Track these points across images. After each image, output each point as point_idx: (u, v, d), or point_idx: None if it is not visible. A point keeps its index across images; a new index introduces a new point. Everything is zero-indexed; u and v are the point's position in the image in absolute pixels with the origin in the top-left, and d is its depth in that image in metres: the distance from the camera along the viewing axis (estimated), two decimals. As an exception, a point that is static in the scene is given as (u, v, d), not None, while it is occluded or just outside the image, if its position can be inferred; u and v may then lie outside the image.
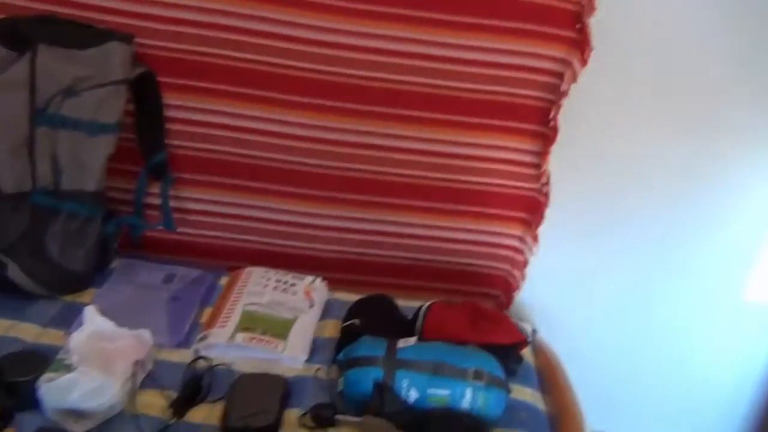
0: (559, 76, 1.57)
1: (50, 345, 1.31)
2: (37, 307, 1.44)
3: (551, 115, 1.59)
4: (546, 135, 1.64)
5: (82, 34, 1.52)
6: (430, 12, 1.52)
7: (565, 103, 1.57)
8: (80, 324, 1.29)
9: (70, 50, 1.49)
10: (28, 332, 1.36)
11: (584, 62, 1.53)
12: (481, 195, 1.74)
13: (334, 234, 1.79)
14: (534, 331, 1.61)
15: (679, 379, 1.97)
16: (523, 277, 1.83)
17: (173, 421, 1.18)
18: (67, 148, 1.49)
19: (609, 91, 1.63)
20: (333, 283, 1.66)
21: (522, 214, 1.76)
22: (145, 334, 1.27)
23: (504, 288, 1.85)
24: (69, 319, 1.41)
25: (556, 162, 1.66)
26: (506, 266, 1.83)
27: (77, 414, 1.12)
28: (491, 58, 1.55)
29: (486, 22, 1.52)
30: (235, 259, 1.75)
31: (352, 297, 1.60)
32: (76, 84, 1.49)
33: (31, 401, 1.14)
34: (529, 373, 1.45)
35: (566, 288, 1.89)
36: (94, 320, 1.23)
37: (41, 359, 1.20)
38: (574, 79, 1.55)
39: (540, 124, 1.63)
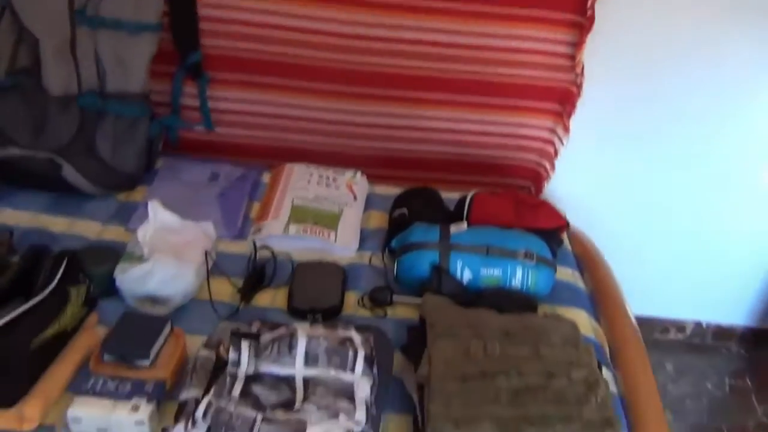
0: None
1: (113, 240, 1.37)
2: (93, 206, 1.49)
3: (589, 4, 1.59)
4: (582, 24, 1.64)
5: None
6: None
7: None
8: (140, 219, 1.34)
9: (104, -54, 1.47)
10: (89, 229, 1.42)
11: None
12: (513, 87, 1.75)
13: (366, 130, 1.81)
14: (567, 223, 1.68)
15: (703, 260, 2.06)
16: (552, 168, 1.87)
17: (242, 305, 1.25)
18: (109, 49, 1.49)
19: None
20: (369, 179, 1.71)
21: (554, 106, 1.79)
22: (209, 226, 1.33)
23: (534, 179, 1.90)
24: (126, 216, 1.46)
25: (589, 52, 1.66)
26: (536, 158, 1.87)
27: (154, 300, 1.19)
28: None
29: None
30: (271, 157, 1.78)
31: (391, 190, 1.65)
32: (112, -18, 1.48)
33: (108, 290, 1.21)
34: (567, 256, 1.52)
35: (594, 179, 1.95)
36: (158, 214, 1.28)
37: (112, 252, 1.26)
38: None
39: (576, 14, 1.63)
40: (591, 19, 1.62)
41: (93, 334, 1.11)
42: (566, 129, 1.80)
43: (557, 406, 0.94)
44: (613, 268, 1.53)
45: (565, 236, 1.56)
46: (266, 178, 1.68)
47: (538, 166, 1.89)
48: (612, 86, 1.78)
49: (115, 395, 0.98)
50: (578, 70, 1.70)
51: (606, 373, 1.18)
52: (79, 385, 1.00)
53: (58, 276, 1.04)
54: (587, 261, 1.52)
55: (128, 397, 0.98)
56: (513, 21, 1.63)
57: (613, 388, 1.18)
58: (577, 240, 1.61)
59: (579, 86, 1.73)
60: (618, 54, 1.73)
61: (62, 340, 1.05)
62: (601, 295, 1.41)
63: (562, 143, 1.82)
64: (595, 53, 1.68)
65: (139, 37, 1.50)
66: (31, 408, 0.97)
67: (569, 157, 1.85)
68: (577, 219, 1.70)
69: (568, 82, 1.74)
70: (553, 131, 1.83)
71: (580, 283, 1.45)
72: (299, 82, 1.73)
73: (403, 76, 1.71)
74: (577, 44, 1.67)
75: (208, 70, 1.70)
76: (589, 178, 1.94)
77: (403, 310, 1.29)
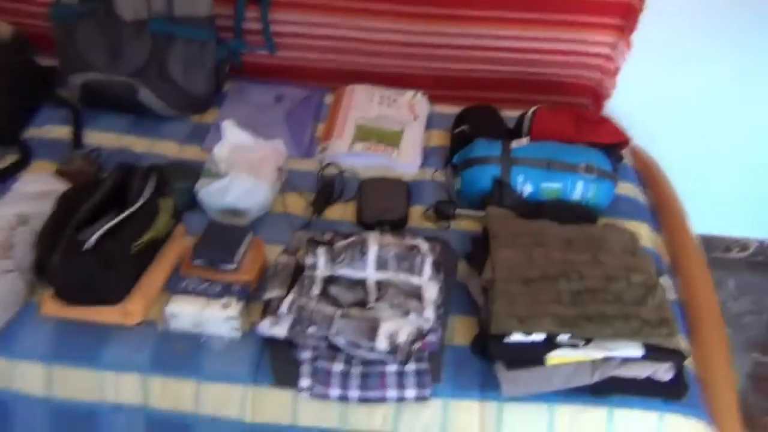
0: None
1: (191, 159, 1.45)
2: (170, 127, 1.57)
3: None
4: (647, -67, 1.59)
5: None
6: None
7: None
8: (214, 139, 1.42)
9: None
10: (168, 149, 1.51)
11: None
12: (573, 3, 1.73)
13: (426, 50, 1.82)
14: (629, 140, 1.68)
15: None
16: (613, 85, 1.86)
17: (314, 217, 1.33)
18: (177, -26, 1.53)
19: None
20: (430, 99, 1.74)
21: (615, 21, 1.75)
22: (280, 144, 1.40)
23: (594, 97, 1.89)
24: (201, 136, 1.54)
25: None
26: (597, 75, 1.86)
27: (233, 212, 1.28)
28: None
29: None
30: (333, 80, 1.82)
31: (451, 110, 1.68)
32: None
33: (191, 204, 1.30)
34: (628, 171, 1.54)
35: (656, 97, 1.92)
36: (233, 133, 1.35)
37: (192, 169, 1.35)
38: None
39: None
40: (657, -72, 1.57)
41: (182, 242, 1.21)
42: (628, 45, 1.77)
43: (616, 305, 0.99)
44: (676, 186, 1.54)
45: (626, 152, 1.57)
46: (329, 99, 1.73)
47: (597, 84, 1.87)
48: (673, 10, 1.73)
49: (207, 295, 1.08)
50: (641, -18, 1.66)
51: (665, 280, 1.22)
52: (173, 286, 1.10)
53: (149, 189, 1.13)
54: (648, 176, 1.54)
55: (218, 296, 1.08)
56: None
57: (672, 294, 1.22)
58: (639, 156, 1.62)
59: (641, 0, 1.69)
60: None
61: (156, 247, 1.15)
62: (661, 208, 1.43)
63: (624, 59, 1.80)
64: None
65: (204, -40, 1.54)
66: (134, 304, 1.08)
67: (631, 75, 1.83)
68: (639, 137, 1.70)
69: (630, -5, 1.70)
70: (614, 47, 1.81)
71: (641, 198, 1.48)
72: (359, 2, 1.74)
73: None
74: (641, -45, 1.62)
75: (271, -7, 1.73)
76: (651, 96, 1.91)
77: (465, 223, 1.35)
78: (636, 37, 1.75)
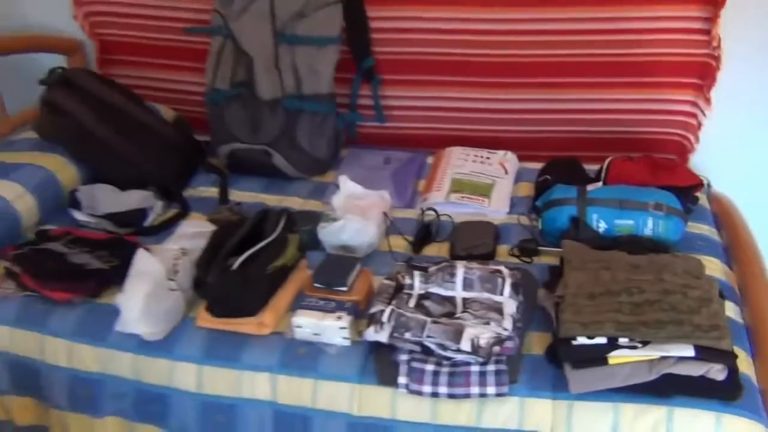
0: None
1: (313, 210, 1.74)
2: (296, 186, 1.89)
3: (720, -22, 1.71)
4: (714, 0, 1.76)
5: (302, -32, 1.88)
6: None
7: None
8: (332, 194, 1.70)
9: (296, -19, 1.86)
10: (294, 203, 1.81)
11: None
12: (650, 65, 1.90)
13: (516, 116, 2.05)
14: (708, 184, 1.81)
15: None
16: (697, 139, 1.98)
17: (414, 254, 1.56)
18: (304, 60, 1.88)
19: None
20: (519, 158, 1.95)
21: (693, 80, 1.91)
22: (385, 194, 1.66)
23: (679, 151, 2.02)
24: (321, 192, 1.84)
25: (725, 25, 1.78)
26: (680, 130, 1.99)
27: (347, 249, 1.54)
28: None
29: None
30: (433, 144, 2.08)
31: (538, 165, 1.88)
32: (304, 8, 1.87)
33: (313, 244, 1.57)
34: (705, 213, 1.66)
35: (739, 149, 2.01)
36: (347, 185, 1.63)
37: (314, 216, 1.63)
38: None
39: (708, -10, 1.76)
40: (724, -6, 1.74)
41: (305, 272, 1.48)
42: (707, 101, 1.91)
43: (670, 313, 1.13)
44: (757, 233, 1.61)
45: (703, 195, 1.69)
46: (430, 160, 1.99)
47: (682, 138, 2.00)
48: (752, 56, 1.86)
49: (324, 310, 1.32)
50: (715, 43, 1.82)
51: (731, 306, 1.33)
52: (298, 304, 1.36)
53: (281, 225, 1.41)
54: (725, 218, 1.64)
55: (333, 311, 1.32)
56: (641, 3, 1.79)
57: (739, 319, 1.33)
58: (717, 200, 1.73)
59: (717, 59, 1.84)
60: (757, 24, 1.81)
61: (285, 273, 1.42)
62: (735, 246, 1.53)
63: (705, 115, 1.93)
64: (731, 26, 1.78)
65: (326, 48, 1.88)
66: (268, 317, 1.34)
67: (714, 128, 1.95)
68: (723, 186, 1.81)
69: (705, 56, 1.86)
70: (694, 104, 1.95)
71: (716, 237, 1.59)
72: (455, 77, 2.02)
73: (545, 64, 1.94)
74: (712, 19, 1.79)
75: (379, 73, 2.04)
76: (734, 147, 2.01)
77: (547, 259, 1.52)
78: (718, 92, 1.89)
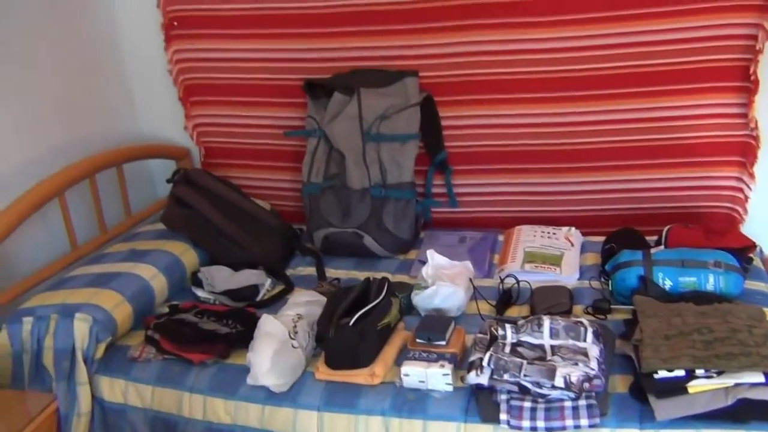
0: (753, 37, 1.94)
1: (403, 281, 1.96)
2: (384, 263, 2.13)
3: (752, 70, 1.97)
4: (749, 88, 2.01)
5: (384, 77, 2.21)
6: (628, 9, 1.99)
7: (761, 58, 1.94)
8: (417, 268, 1.93)
9: (379, 89, 2.19)
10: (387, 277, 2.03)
11: (775, 22, 1.91)
12: (696, 147, 2.13)
13: (575, 197, 2.28)
14: (761, 250, 1.99)
15: None
16: (745, 211, 2.18)
17: (498, 315, 1.76)
18: (388, 155, 2.17)
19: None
20: (582, 234, 2.16)
21: (736, 158, 2.13)
22: (468, 263, 1.88)
23: (729, 223, 2.20)
24: (407, 268, 2.08)
25: (761, 108, 2.01)
26: (728, 203, 2.19)
27: (438, 311, 1.75)
28: (689, 35, 1.99)
29: (679, 7, 1.96)
30: (500, 225, 2.31)
31: (600, 239, 2.08)
32: (387, 110, 2.18)
33: (407, 309, 1.79)
34: (761, 273, 1.83)
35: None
36: (435, 258, 1.86)
37: (405, 286, 1.86)
38: (767, 37, 1.92)
39: (742, 80, 2.01)
40: (756, 82, 1.99)
41: (403, 332, 1.69)
42: (752, 176, 2.12)
43: (739, 347, 1.30)
44: None
45: (756, 258, 1.87)
46: (501, 237, 2.21)
47: (730, 211, 2.20)
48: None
49: (428, 360, 1.52)
50: (752, 125, 2.05)
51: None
52: (404, 357, 1.56)
53: (385, 290, 1.64)
54: (779, 278, 1.81)
55: (436, 361, 1.51)
56: (684, 94, 2.06)
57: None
58: (769, 262, 1.90)
59: (756, 138, 2.07)
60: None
61: (389, 330, 1.63)
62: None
63: (750, 189, 2.14)
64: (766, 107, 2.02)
65: (407, 144, 2.18)
66: (379, 368, 1.54)
67: (761, 201, 2.15)
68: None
69: (745, 136, 2.09)
70: (740, 180, 2.16)
71: (773, 292, 1.75)
72: (518, 165, 2.28)
73: (601, 150, 2.19)
74: (747, 104, 2.03)
75: (451, 164, 2.32)
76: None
77: (619, 315, 1.71)
78: (759, 168, 2.10)
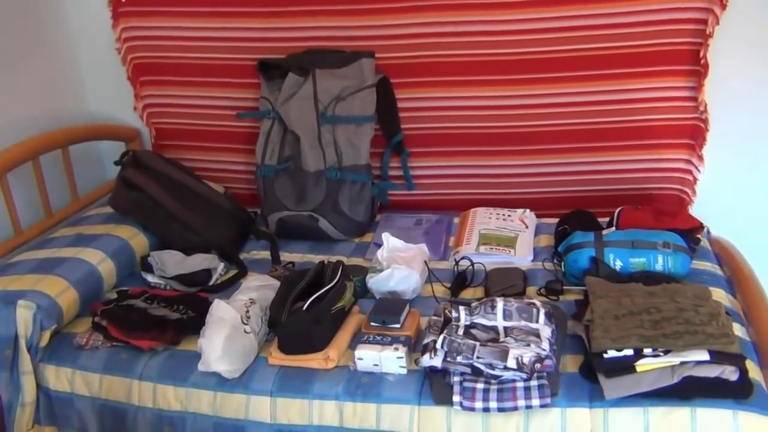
0: (703, 21, 1.97)
1: (359, 265, 1.95)
2: (339, 247, 2.11)
3: (702, 54, 2.00)
4: (698, 71, 2.04)
5: (340, 57, 2.18)
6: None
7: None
8: (373, 251, 1.92)
9: (335, 69, 2.15)
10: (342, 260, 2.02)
11: (724, 6, 1.93)
12: (647, 130, 2.17)
13: (530, 179, 2.30)
14: (708, 231, 2.03)
15: None
16: (694, 193, 2.22)
17: (452, 297, 1.76)
18: (344, 137, 2.15)
19: (749, 28, 1.99)
20: (536, 216, 2.18)
21: (686, 140, 2.17)
22: (424, 246, 1.88)
23: (678, 205, 2.25)
24: (362, 251, 2.06)
25: (710, 92, 2.05)
26: (678, 185, 2.23)
27: (394, 295, 1.74)
28: (640, 19, 2.01)
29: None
30: (457, 207, 2.31)
31: (553, 221, 2.10)
32: (342, 92, 2.15)
33: (361, 293, 1.78)
34: (707, 253, 1.87)
35: (731, 199, 2.24)
36: (389, 240, 1.85)
37: (360, 269, 1.84)
38: (716, 22, 1.95)
39: (692, 64, 2.04)
40: (705, 66, 2.02)
41: (358, 315, 1.68)
42: (701, 159, 2.16)
43: (685, 326, 1.32)
44: (759, 274, 1.79)
45: (704, 238, 1.91)
46: (456, 220, 2.22)
47: (680, 192, 2.24)
48: (734, 115, 2.12)
49: (382, 344, 1.51)
50: (702, 108, 2.09)
51: (738, 327, 1.52)
52: (358, 340, 1.55)
53: (339, 274, 1.63)
54: (725, 256, 1.86)
55: (390, 344, 1.51)
56: (635, 78, 2.08)
57: (747, 338, 1.52)
58: (717, 242, 1.95)
59: (705, 121, 2.11)
60: (734, 89, 2.09)
61: (343, 314, 1.62)
62: (737, 276, 1.74)
63: (699, 171, 2.18)
64: (714, 93, 2.05)
65: (363, 126, 2.16)
66: (333, 352, 1.53)
67: (709, 183, 2.19)
68: (720, 232, 2.03)
69: (695, 119, 2.12)
70: (689, 162, 2.20)
71: (719, 272, 1.80)
72: (474, 147, 2.28)
73: (554, 132, 2.20)
74: (697, 88, 2.06)
75: (407, 147, 2.31)
76: (727, 198, 2.24)
77: (571, 296, 1.72)
78: (708, 150, 2.14)
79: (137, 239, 1.99)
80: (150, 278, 1.91)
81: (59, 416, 1.66)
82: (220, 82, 2.35)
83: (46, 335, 1.65)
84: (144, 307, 1.73)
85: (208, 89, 2.37)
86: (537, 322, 1.48)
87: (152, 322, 1.67)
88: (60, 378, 1.65)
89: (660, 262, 1.67)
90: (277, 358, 1.56)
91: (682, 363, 1.29)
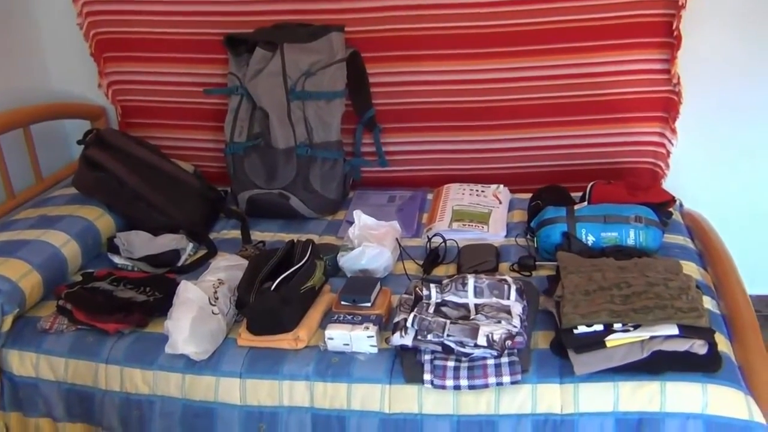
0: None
1: (330, 243, 1.92)
2: (311, 225, 2.08)
3: (674, 26, 1.98)
4: (671, 43, 2.02)
5: (308, 32, 2.13)
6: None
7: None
8: (345, 229, 1.89)
9: (303, 44, 2.10)
10: (311, 239, 1.99)
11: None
12: (620, 103, 2.15)
13: (503, 154, 2.28)
14: (681, 204, 2.03)
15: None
16: (667, 166, 2.22)
17: (424, 275, 1.74)
18: (314, 113, 2.11)
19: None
20: (510, 191, 2.16)
21: (659, 113, 2.15)
22: (395, 224, 1.85)
23: (652, 178, 2.25)
24: (335, 229, 2.04)
25: (683, 64, 2.03)
26: (651, 159, 2.23)
27: (365, 273, 1.72)
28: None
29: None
30: (431, 183, 2.28)
31: (527, 196, 2.08)
32: (312, 67, 2.10)
33: (333, 271, 1.75)
34: (679, 227, 1.87)
35: (704, 172, 2.25)
36: (361, 218, 1.82)
37: (333, 247, 1.82)
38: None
39: (664, 36, 2.02)
40: (678, 38, 2.00)
41: (329, 294, 1.65)
42: (674, 132, 2.16)
43: (655, 300, 1.32)
44: (730, 248, 1.79)
45: (675, 211, 1.91)
46: (430, 196, 2.19)
47: (653, 166, 2.24)
48: (708, 88, 2.11)
49: (352, 323, 1.49)
50: (675, 80, 2.07)
51: (709, 300, 1.52)
52: (328, 320, 1.53)
53: (309, 252, 1.60)
54: (697, 229, 1.86)
55: (360, 323, 1.49)
56: (608, 50, 2.06)
57: (716, 310, 1.52)
58: (689, 215, 1.95)
59: (678, 94, 2.10)
60: (707, 61, 2.07)
61: (313, 294, 1.60)
62: (708, 249, 1.74)
63: (672, 144, 2.17)
64: (688, 64, 2.03)
65: (333, 102, 2.11)
66: (303, 332, 1.51)
67: (682, 157, 2.19)
68: (692, 206, 2.03)
69: (668, 92, 2.11)
70: (662, 135, 2.19)
71: (691, 245, 1.80)
72: (447, 122, 2.25)
73: (527, 107, 2.18)
74: (670, 60, 2.05)
75: (379, 122, 2.27)
76: (701, 171, 2.24)
77: (544, 272, 1.71)
78: (681, 123, 2.14)
79: (102, 220, 1.94)
80: (117, 260, 1.87)
81: (24, 402, 1.63)
82: (186, 57, 2.29)
83: (8, 320, 1.61)
84: (110, 289, 1.69)
85: (174, 65, 2.31)
86: (508, 298, 1.47)
87: (118, 305, 1.63)
88: (24, 363, 1.61)
89: (632, 237, 1.67)
90: (246, 339, 1.53)
91: (652, 337, 1.28)
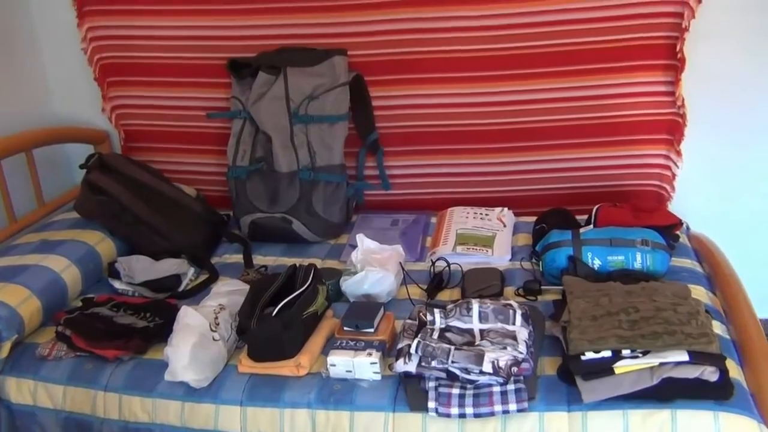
0: (680, 15, 1.94)
1: (333, 267, 1.90)
2: (314, 249, 2.06)
3: (678, 48, 1.97)
4: (675, 66, 2.01)
5: (311, 56, 2.13)
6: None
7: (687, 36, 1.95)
8: (348, 253, 1.87)
9: (306, 68, 2.10)
10: (314, 263, 1.96)
11: (700, 0, 1.91)
12: (625, 126, 2.14)
13: (508, 177, 2.26)
14: (687, 227, 2.01)
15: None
16: (673, 189, 2.20)
17: (428, 300, 1.72)
18: (316, 137, 2.10)
19: (726, 22, 1.97)
20: (514, 214, 2.14)
21: (664, 136, 2.14)
22: (399, 248, 1.83)
23: (657, 201, 2.23)
24: (338, 253, 2.01)
25: (687, 87, 2.02)
26: (657, 182, 2.21)
27: (368, 298, 1.69)
28: (616, 13, 1.98)
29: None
30: (434, 207, 2.27)
31: (532, 219, 2.06)
32: (315, 91, 2.10)
33: (336, 296, 1.73)
34: (687, 250, 1.84)
35: (711, 194, 2.22)
36: (364, 242, 1.80)
37: (334, 272, 1.80)
38: (693, 15, 1.93)
39: (668, 58, 2.01)
40: (682, 60, 1.99)
41: (332, 320, 1.63)
42: (679, 154, 2.14)
43: (664, 326, 1.29)
44: (738, 270, 1.77)
45: (682, 234, 1.88)
46: (433, 220, 2.17)
47: (659, 188, 2.22)
48: (712, 110, 2.10)
49: (355, 349, 1.47)
50: (679, 103, 2.06)
51: (718, 324, 1.49)
52: (330, 346, 1.50)
53: (311, 277, 1.58)
54: (704, 252, 1.83)
55: (363, 349, 1.46)
56: (612, 73, 2.05)
57: (726, 336, 1.49)
58: (696, 238, 1.92)
59: (683, 116, 2.08)
60: (711, 83, 2.06)
61: (316, 320, 1.57)
62: (717, 273, 1.71)
63: (677, 166, 2.16)
64: (693, 87, 2.02)
65: (336, 125, 2.11)
66: (304, 359, 1.48)
67: (688, 176, 2.17)
68: (699, 228, 2.01)
69: (673, 114, 2.10)
70: (667, 158, 2.17)
71: (699, 269, 1.77)
72: (450, 146, 2.24)
73: (531, 129, 2.17)
74: (674, 82, 2.04)
75: (383, 146, 2.26)
76: (707, 194, 2.22)
77: (550, 296, 1.69)
78: (686, 145, 2.12)
79: (104, 244, 1.93)
80: (117, 285, 1.85)
81: (21, 430, 1.60)
82: (190, 81, 2.29)
83: (6, 346, 1.59)
84: (110, 315, 1.67)
85: (177, 89, 2.31)
86: (513, 323, 1.44)
87: (118, 331, 1.61)
88: (22, 390, 1.59)
89: (638, 260, 1.64)
90: (247, 365, 1.50)
91: (661, 364, 1.25)
